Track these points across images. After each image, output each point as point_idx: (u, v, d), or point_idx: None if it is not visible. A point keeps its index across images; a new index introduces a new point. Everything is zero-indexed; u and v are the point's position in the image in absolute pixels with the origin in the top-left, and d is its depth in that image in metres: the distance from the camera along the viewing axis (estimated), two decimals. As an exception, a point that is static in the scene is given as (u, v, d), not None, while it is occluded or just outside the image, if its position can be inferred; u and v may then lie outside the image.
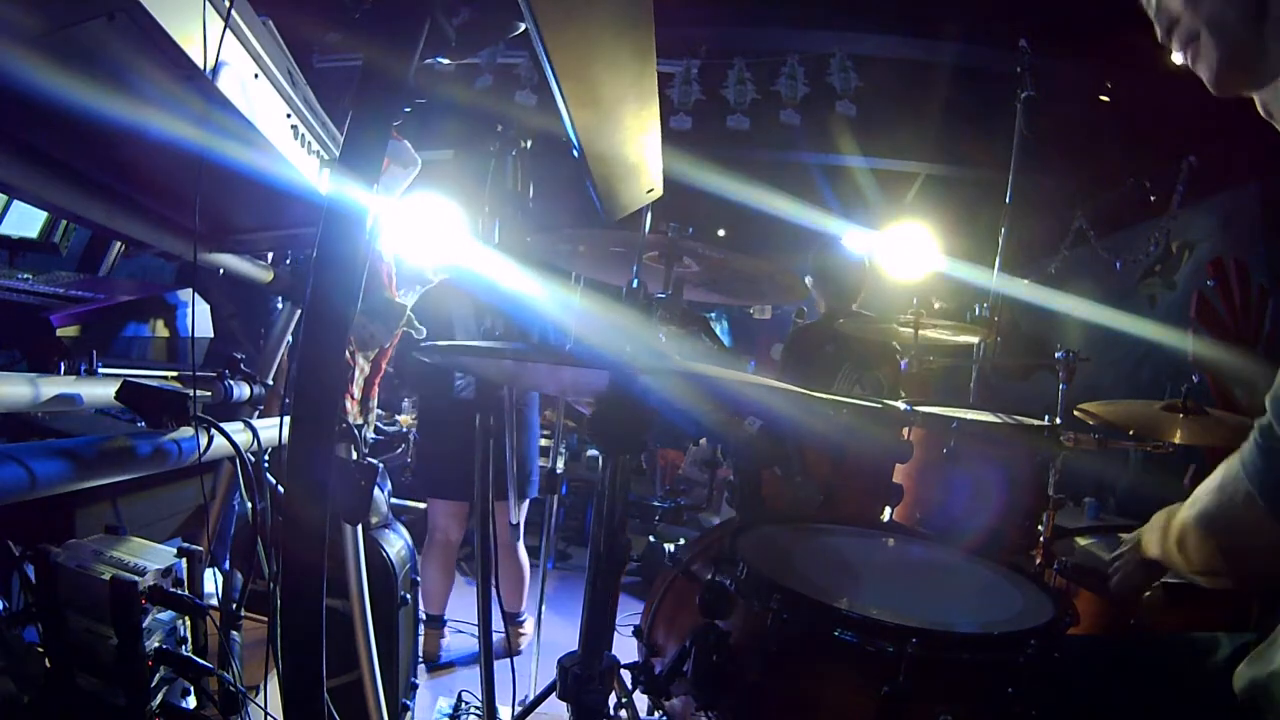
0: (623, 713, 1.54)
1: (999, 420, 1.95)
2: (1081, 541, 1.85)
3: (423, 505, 4.56)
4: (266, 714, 1.16)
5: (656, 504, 4.98)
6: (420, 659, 2.79)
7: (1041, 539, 1.66)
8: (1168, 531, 1.05)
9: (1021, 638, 1.06)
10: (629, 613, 2.22)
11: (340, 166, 0.72)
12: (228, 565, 1.55)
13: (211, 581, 1.46)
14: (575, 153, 1.14)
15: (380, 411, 4.76)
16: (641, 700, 1.55)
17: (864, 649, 1.05)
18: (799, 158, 4.38)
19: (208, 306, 1.76)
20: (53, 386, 1.14)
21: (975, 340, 2.60)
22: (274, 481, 1.25)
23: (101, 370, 1.33)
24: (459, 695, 2.40)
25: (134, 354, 1.53)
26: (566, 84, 0.93)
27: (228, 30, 0.82)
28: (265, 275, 1.60)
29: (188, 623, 1.01)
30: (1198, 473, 1.92)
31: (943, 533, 1.70)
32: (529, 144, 1.79)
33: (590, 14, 0.88)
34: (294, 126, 1.07)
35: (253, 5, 0.90)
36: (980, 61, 3.67)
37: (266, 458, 1.31)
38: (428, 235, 1.63)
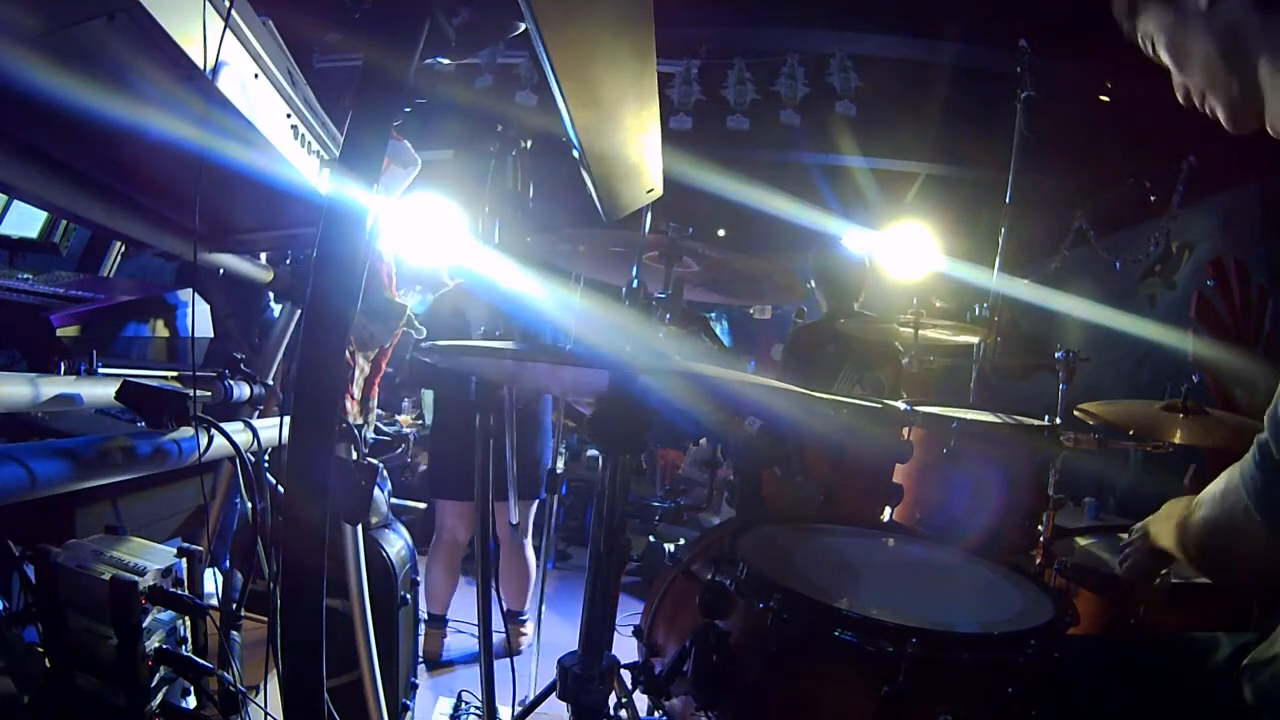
0: (623, 713, 1.54)
1: (999, 420, 1.95)
2: (1081, 541, 1.86)
3: (423, 505, 4.58)
4: (266, 714, 1.16)
5: (656, 504, 4.97)
6: (421, 659, 2.79)
7: (1041, 539, 1.66)
8: (1178, 529, 1.07)
9: (1021, 638, 1.06)
10: (629, 613, 2.22)
11: (340, 166, 0.72)
12: (228, 565, 1.55)
13: (211, 581, 1.46)
14: (575, 153, 1.14)
15: (380, 411, 4.76)
16: (641, 700, 1.55)
17: (864, 649, 1.05)
18: (799, 158, 4.38)
19: (208, 306, 1.76)
20: (53, 386, 1.14)
21: (975, 340, 2.60)
22: (274, 481, 1.25)
23: (101, 370, 1.33)
24: (459, 695, 2.40)
25: (134, 354, 1.53)
26: (566, 84, 0.93)
27: (228, 30, 0.82)
28: (265, 275, 1.60)
29: (188, 623, 1.01)
30: (1198, 473, 1.91)
31: (943, 533, 1.70)
32: (529, 144, 1.79)
33: (590, 14, 0.88)
34: (294, 126, 1.07)
35: (253, 5, 0.90)
36: (980, 61, 3.66)
37: (266, 458, 1.31)
38: (428, 235, 1.63)
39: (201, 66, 0.79)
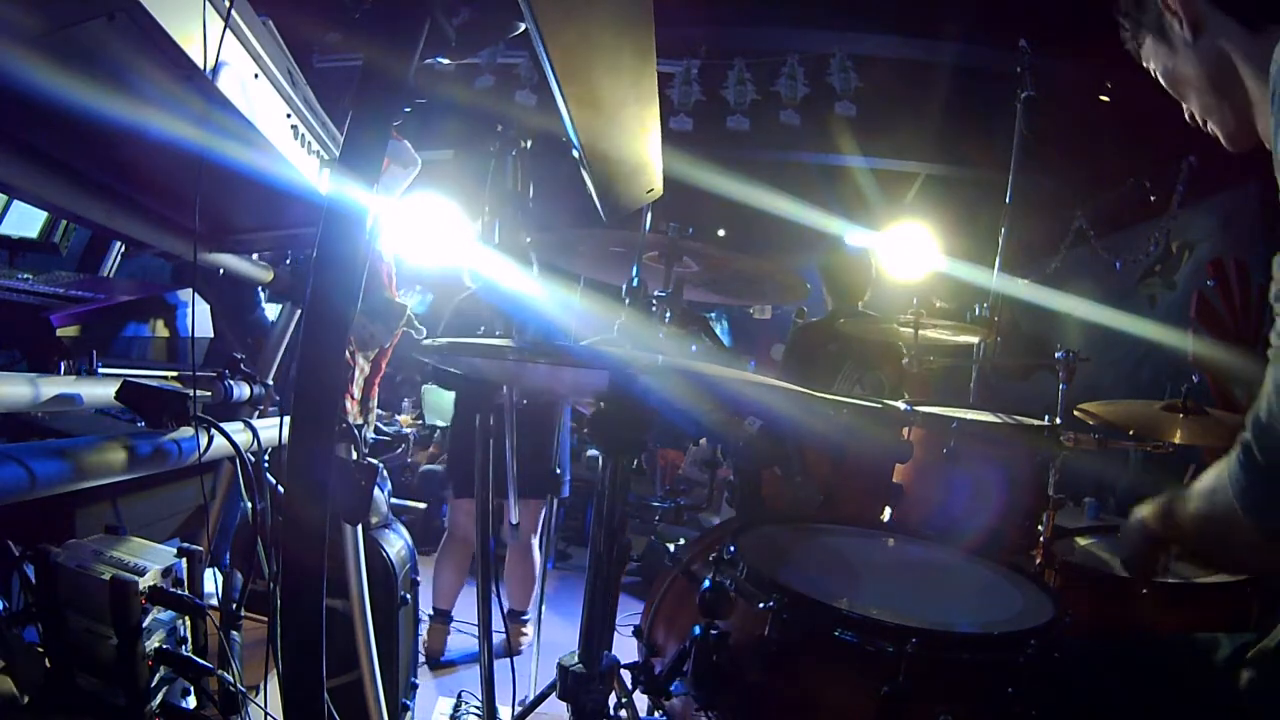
0: (623, 713, 1.54)
1: (999, 420, 1.95)
2: (1081, 541, 1.86)
3: (423, 505, 4.59)
4: (266, 714, 1.16)
5: (656, 504, 4.97)
6: (423, 656, 2.79)
7: (1041, 539, 1.65)
8: (1173, 521, 1.08)
9: (1021, 638, 1.06)
10: (629, 613, 2.22)
11: (340, 166, 0.72)
12: (228, 565, 1.55)
13: (211, 581, 1.46)
14: (575, 153, 1.14)
15: (380, 411, 4.77)
16: (641, 700, 1.55)
17: (864, 649, 1.05)
18: (799, 158, 4.38)
19: (208, 306, 1.76)
20: (53, 386, 1.14)
21: (975, 340, 2.60)
22: (274, 481, 1.25)
23: (101, 370, 1.33)
24: (459, 695, 2.40)
25: (134, 354, 1.53)
26: (566, 84, 0.93)
27: (228, 30, 0.82)
28: (265, 275, 1.60)
29: (188, 623, 1.01)
30: (1198, 473, 1.91)
31: (943, 533, 1.70)
32: (529, 144, 1.79)
33: (590, 14, 0.88)
34: (294, 126, 1.07)
35: (253, 5, 0.89)
36: (980, 61, 3.67)
37: (266, 458, 1.31)
38: (428, 235, 1.63)
39: (201, 66, 0.78)
